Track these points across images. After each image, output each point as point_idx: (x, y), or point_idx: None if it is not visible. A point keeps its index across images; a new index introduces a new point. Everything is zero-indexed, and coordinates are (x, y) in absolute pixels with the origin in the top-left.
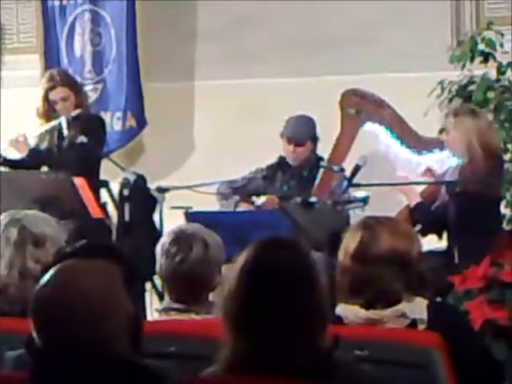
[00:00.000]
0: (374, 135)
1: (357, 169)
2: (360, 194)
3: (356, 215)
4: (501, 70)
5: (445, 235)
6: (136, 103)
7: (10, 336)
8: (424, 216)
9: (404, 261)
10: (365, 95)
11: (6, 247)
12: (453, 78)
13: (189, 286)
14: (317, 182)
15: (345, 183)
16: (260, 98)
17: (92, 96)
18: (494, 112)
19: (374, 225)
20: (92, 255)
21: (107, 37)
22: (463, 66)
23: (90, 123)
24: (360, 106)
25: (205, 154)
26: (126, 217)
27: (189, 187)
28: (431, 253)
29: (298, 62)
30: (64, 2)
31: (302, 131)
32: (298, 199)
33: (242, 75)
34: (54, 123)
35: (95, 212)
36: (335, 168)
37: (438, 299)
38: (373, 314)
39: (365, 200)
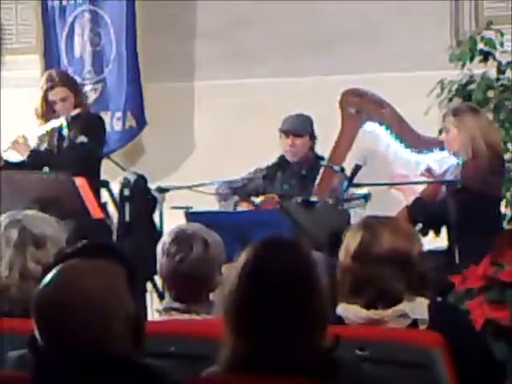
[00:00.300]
0: (374, 135)
1: (357, 168)
2: (361, 191)
3: (357, 213)
4: (500, 69)
5: (445, 235)
6: (136, 103)
7: (12, 336)
8: (422, 211)
9: (405, 260)
10: (365, 95)
11: (6, 248)
12: (453, 77)
13: (189, 286)
14: (317, 181)
15: (345, 183)
16: (260, 98)
17: (92, 96)
18: (494, 111)
19: (375, 224)
20: (93, 255)
21: (107, 37)
22: (463, 66)
23: (90, 123)
24: (360, 106)
25: (205, 154)
26: (127, 217)
27: (189, 187)
28: (432, 252)
29: (298, 61)
30: (64, 2)
31: (300, 124)
32: (299, 198)
33: (242, 75)
34: (54, 124)
35: (95, 212)
36: (336, 168)
37: (439, 299)
38: (374, 313)
39: (366, 197)
